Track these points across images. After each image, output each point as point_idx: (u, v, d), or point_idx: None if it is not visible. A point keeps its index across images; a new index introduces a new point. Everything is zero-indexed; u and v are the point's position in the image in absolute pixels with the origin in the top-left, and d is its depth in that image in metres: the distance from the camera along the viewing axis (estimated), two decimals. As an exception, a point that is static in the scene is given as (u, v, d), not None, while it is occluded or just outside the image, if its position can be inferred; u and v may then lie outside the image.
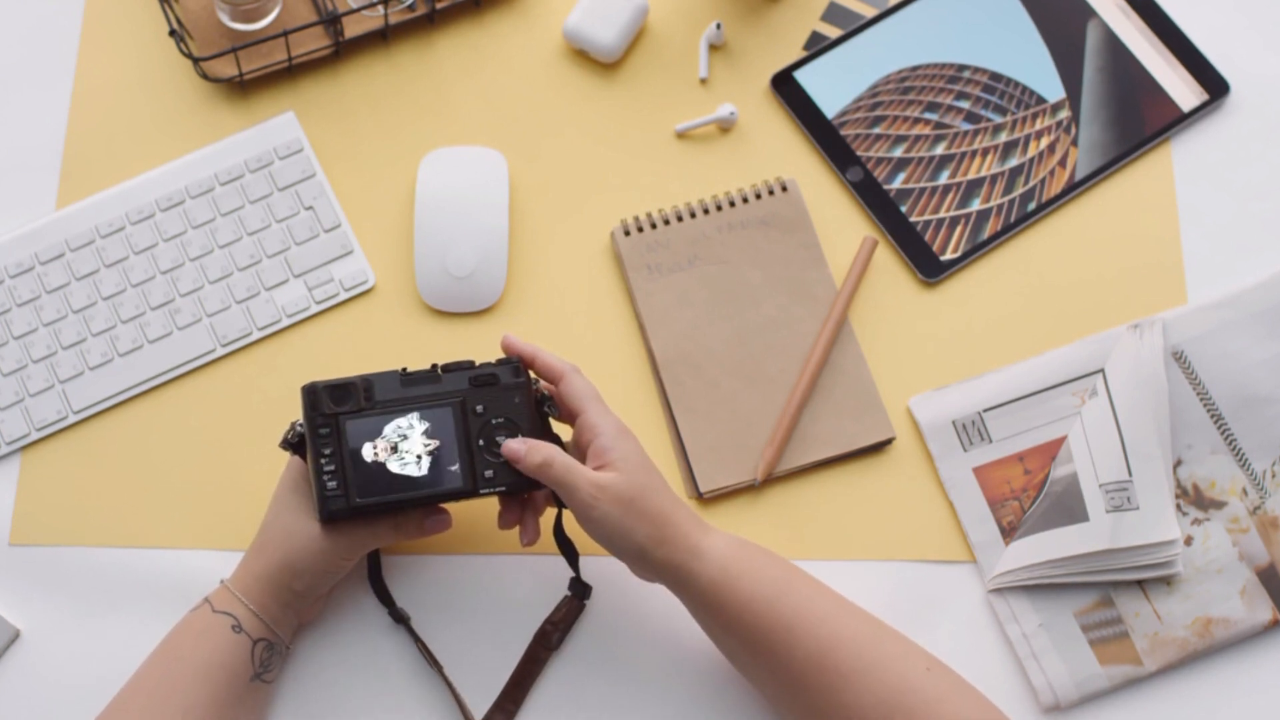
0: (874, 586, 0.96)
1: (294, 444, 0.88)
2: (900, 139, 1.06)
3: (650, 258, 1.02)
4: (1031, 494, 0.97)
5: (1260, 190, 1.06)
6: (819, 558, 0.97)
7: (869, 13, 1.10)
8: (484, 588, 0.96)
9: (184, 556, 0.97)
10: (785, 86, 1.08)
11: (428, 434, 0.87)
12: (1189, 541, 0.96)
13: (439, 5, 1.08)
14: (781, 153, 1.07)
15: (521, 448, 0.86)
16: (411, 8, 1.08)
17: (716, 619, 0.86)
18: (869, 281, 1.03)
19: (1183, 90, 1.07)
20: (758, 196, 1.04)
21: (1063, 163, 1.05)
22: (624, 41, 1.07)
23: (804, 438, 0.99)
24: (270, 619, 0.88)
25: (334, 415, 0.86)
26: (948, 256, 1.03)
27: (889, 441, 0.99)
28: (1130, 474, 0.95)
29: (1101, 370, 0.99)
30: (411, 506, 0.87)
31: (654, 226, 1.03)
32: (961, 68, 1.08)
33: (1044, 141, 1.06)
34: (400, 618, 0.93)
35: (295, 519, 0.88)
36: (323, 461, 0.85)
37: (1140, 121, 1.06)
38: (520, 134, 1.07)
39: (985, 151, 1.05)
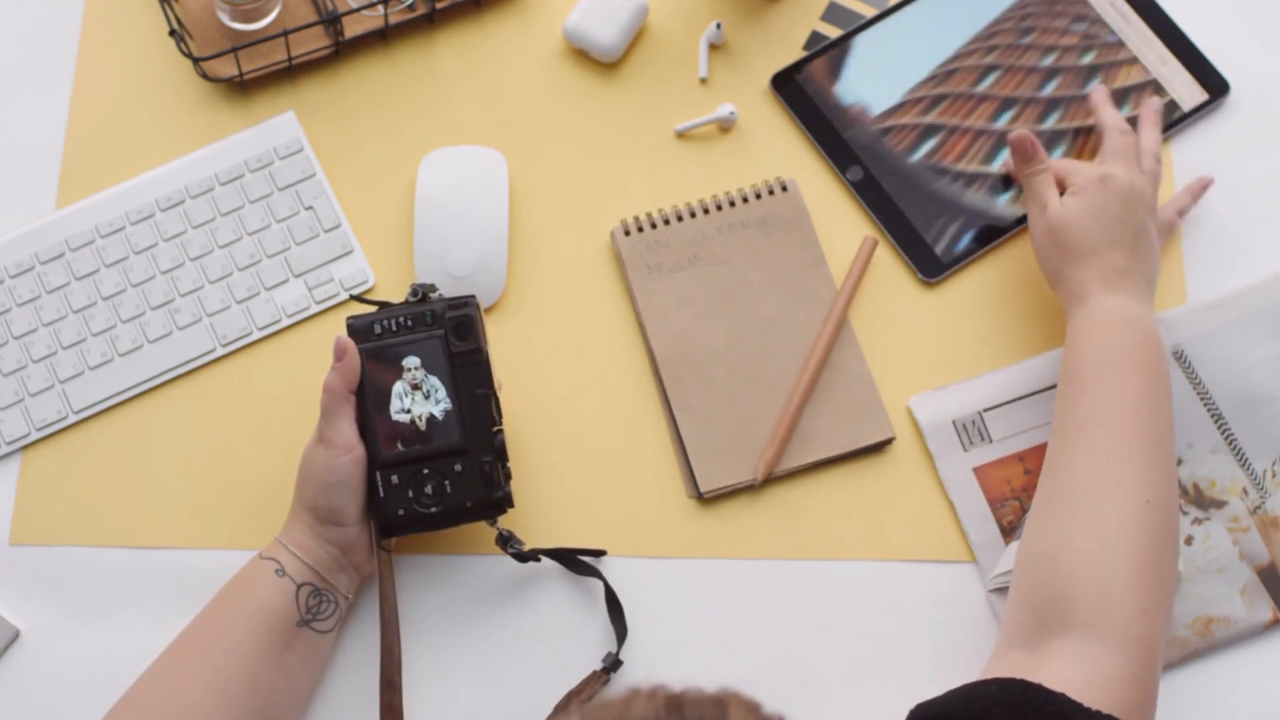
0: (874, 586, 0.96)
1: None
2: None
3: (650, 258, 1.02)
4: (1031, 494, 0.97)
5: (1260, 191, 1.06)
6: (819, 557, 0.97)
7: (869, 13, 1.10)
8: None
9: (184, 556, 0.97)
10: (785, 86, 1.08)
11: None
12: (1189, 541, 0.96)
13: (439, 5, 1.08)
14: (781, 153, 1.07)
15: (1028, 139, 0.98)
16: (411, 8, 1.08)
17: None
18: (869, 281, 1.03)
19: (1183, 90, 1.07)
20: (758, 196, 1.04)
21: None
22: (624, 41, 1.07)
23: (804, 438, 0.99)
24: (315, 562, 0.89)
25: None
26: (948, 256, 1.03)
27: (889, 441, 0.99)
28: (1130, 474, 0.95)
29: (1102, 370, 0.99)
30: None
31: (654, 226, 1.03)
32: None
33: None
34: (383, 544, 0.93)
35: (307, 449, 0.91)
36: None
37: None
38: (520, 134, 1.07)
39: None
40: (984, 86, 1.07)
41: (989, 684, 0.78)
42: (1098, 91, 1.04)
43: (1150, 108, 1.03)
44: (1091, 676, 0.79)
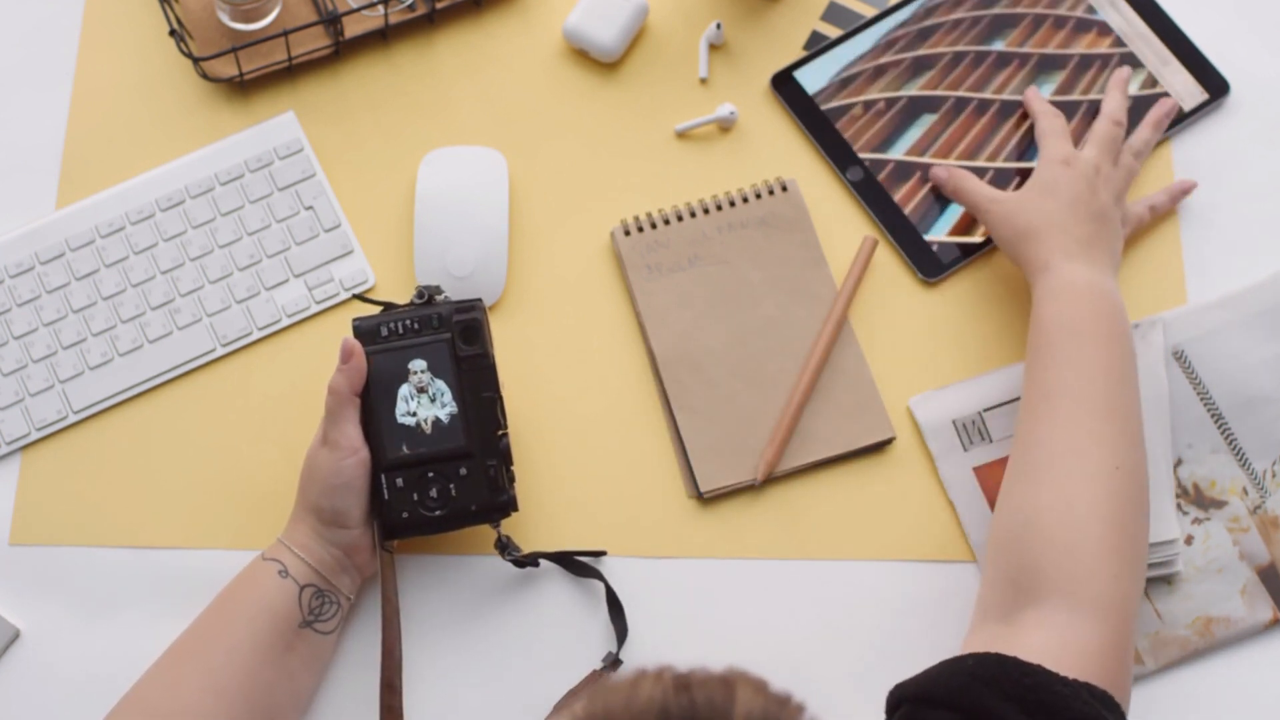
0: (874, 586, 0.96)
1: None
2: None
3: (650, 258, 1.02)
4: (1032, 494, 0.97)
5: (1260, 191, 1.06)
6: (819, 557, 0.97)
7: (869, 13, 1.10)
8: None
9: (184, 556, 0.97)
10: (785, 86, 1.08)
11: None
12: (1189, 541, 0.96)
13: (439, 5, 1.08)
14: (781, 153, 1.07)
15: (943, 174, 1.01)
16: (411, 8, 1.08)
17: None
18: (869, 281, 1.03)
19: (1183, 90, 1.07)
20: (758, 196, 1.04)
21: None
22: (624, 41, 1.07)
23: (804, 438, 0.99)
24: (318, 563, 0.89)
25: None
26: (948, 256, 1.03)
27: (889, 441, 0.99)
28: (1130, 473, 0.95)
29: (1102, 370, 0.99)
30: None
31: (654, 226, 1.03)
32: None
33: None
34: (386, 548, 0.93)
35: (311, 451, 0.91)
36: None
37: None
38: (520, 134, 1.07)
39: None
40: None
41: (965, 659, 0.79)
42: (1120, 74, 1.05)
43: (1161, 109, 1.04)
44: (1066, 645, 0.79)
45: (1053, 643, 0.79)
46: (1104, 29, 1.08)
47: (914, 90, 1.05)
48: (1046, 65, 1.07)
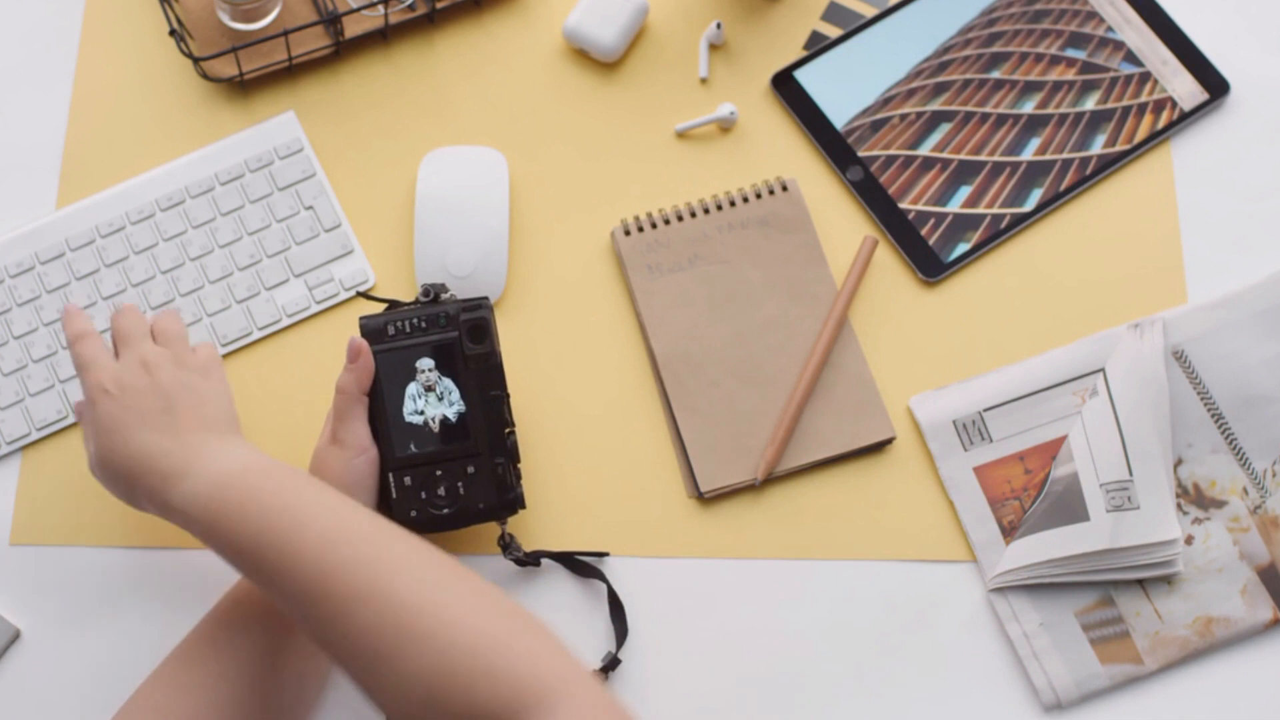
0: (874, 586, 0.96)
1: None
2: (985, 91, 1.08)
3: (650, 258, 1.03)
4: (1032, 493, 0.97)
5: (1260, 190, 1.06)
6: (819, 557, 0.97)
7: (869, 12, 1.10)
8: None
9: (184, 556, 0.97)
10: (785, 86, 1.08)
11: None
12: (1189, 541, 0.96)
13: (439, 5, 1.08)
14: (781, 153, 1.07)
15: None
16: (411, 8, 1.08)
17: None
18: (869, 281, 1.03)
19: (1183, 90, 1.07)
20: (758, 196, 1.04)
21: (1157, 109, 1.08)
22: (624, 41, 1.07)
23: (804, 438, 0.99)
24: None
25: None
26: (948, 256, 1.03)
27: (889, 441, 0.99)
28: (1131, 473, 0.95)
29: (1102, 370, 0.99)
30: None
31: (654, 226, 1.03)
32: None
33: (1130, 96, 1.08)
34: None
35: (318, 450, 0.90)
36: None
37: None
38: (520, 134, 1.07)
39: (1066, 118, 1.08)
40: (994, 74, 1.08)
41: None
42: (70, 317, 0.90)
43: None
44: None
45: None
46: (1073, 63, 1.08)
47: (936, 106, 1.07)
48: (1029, 88, 1.08)
